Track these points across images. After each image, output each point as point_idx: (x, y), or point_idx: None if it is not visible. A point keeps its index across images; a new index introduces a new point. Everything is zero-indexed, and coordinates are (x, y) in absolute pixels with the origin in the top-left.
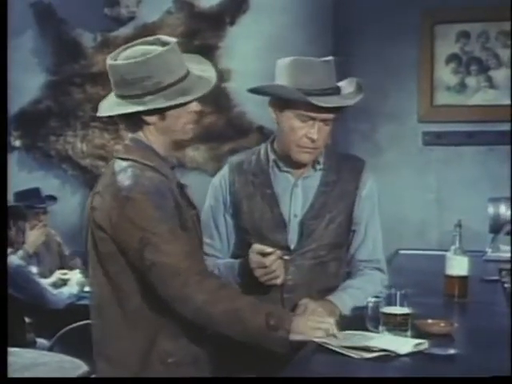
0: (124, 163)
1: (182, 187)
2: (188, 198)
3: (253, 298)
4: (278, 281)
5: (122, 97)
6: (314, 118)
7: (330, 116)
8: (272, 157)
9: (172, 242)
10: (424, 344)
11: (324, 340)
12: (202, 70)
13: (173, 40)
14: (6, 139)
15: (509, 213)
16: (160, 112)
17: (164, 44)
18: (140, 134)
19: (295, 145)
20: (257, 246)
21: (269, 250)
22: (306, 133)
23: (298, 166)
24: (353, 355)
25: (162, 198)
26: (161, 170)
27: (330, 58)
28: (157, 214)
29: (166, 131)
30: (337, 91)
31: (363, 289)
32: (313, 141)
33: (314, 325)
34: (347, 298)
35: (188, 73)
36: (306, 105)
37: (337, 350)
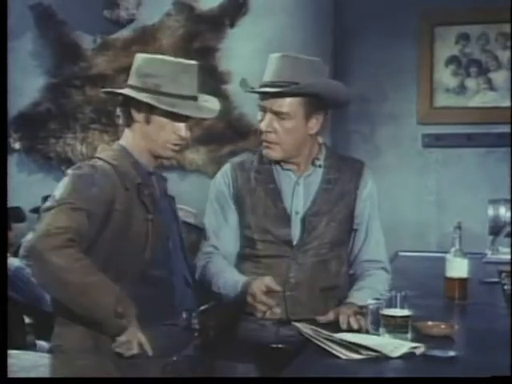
0: (93, 160)
1: (140, 189)
2: (144, 202)
3: (105, 277)
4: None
5: (130, 86)
6: (264, 109)
7: (282, 109)
8: None
9: (63, 214)
10: (420, 348)
11: (309, 332)
12: (209, 102)
13: (194, 62)
14: (6, 140)
15: (508, 214)
16: (146, 111)
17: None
18: (127, 135)
19: (261, 139)
20: (266, 280)
21: (277, 288)
22: (261, 126)
23: (298, 164)
24: (339, 354)
25: (87, 183)
26: (119, 169)
27: (312, 58)
28: (73, 191)
29: (147, 137)
30: (292, 85)
31: (375, 289)
32: (261, 132)
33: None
34: (366, 298)
35: (193, 98)
36: (260, 96)
37: (320, 344)
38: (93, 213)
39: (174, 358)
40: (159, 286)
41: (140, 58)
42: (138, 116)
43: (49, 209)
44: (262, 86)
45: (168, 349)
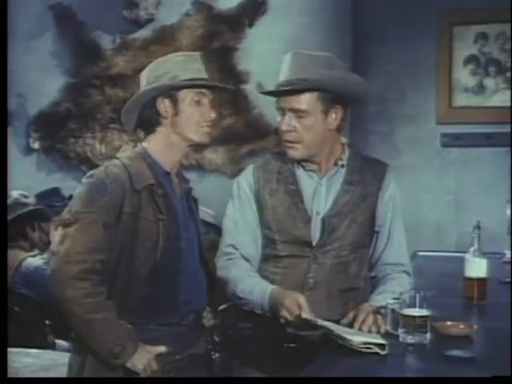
0: (112, 160)
1: (152, 190)
2: (156, 201)
3: (110, 315)
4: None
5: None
6: (282, 109)
7: (299, 106)
8: None
9: (81, 233)
10: (385, 348)
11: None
12: None
13: (197, 53)
14: (7, 140)
15: None
16: (172, 104)
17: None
18: (152, 138)
19: (282, 140)
20: (301, 300)
21: (307, 311)
22: (282, 126)
23: (319, 164)
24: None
25: (99, 192)
26: (132, 170)
27: (322, 53)
28: (87, 202)
29: (179, 128)
30: (306, 82)
31: (396, 293)
32: (281, 133)
33: (146, 362)
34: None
35: (205, 80)
36: (278, 97)
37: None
38: (107, 223)
39: (177, 357)
40: (164, 285)
41: (143, 72)
42: (166, 112)
43: (67, 224)
44: (277, 87)
45: (172, 348)
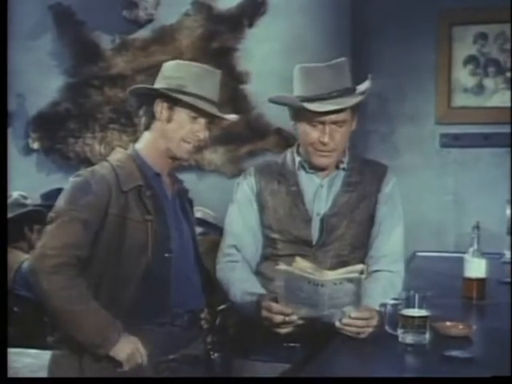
0: (102, 162)
1: (140, 191)
2: (144, 202)
3: (89, 306)
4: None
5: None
6: (323, 122)
7: (341, 117)
8: (298, 159)
9: (60, 229)
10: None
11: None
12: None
13: (218, 71)
14: (6, 141)
15: None
16: (169, 110)
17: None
18: (144, 138)
19: (312, 149)
20: (276, 307)
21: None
22: (319, 137)
23: (322, 168)
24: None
25: (83, 191)
26: (121, 171)
27: (339, 60)
28: (70, 200)
29: (166, 136)
30: (346, 92)
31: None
32: (324, 144)
33: (130, 353)
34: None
35: (214, 102)
36: (311, 110)
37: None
38: (88, 221)
39: (170, 357)
40: (154, 286)
41: (165, 64)
42: (160, 114)
43: (50, 221)
44: (316, 99)
45: (165, 348)
